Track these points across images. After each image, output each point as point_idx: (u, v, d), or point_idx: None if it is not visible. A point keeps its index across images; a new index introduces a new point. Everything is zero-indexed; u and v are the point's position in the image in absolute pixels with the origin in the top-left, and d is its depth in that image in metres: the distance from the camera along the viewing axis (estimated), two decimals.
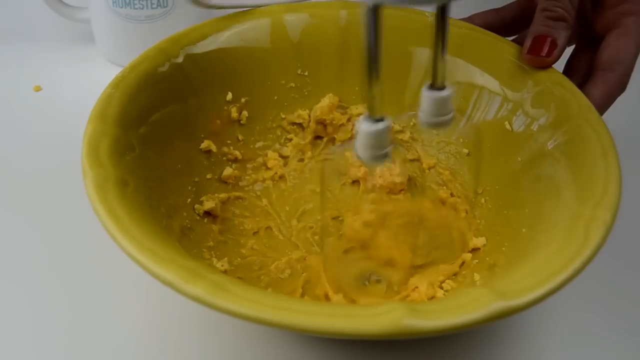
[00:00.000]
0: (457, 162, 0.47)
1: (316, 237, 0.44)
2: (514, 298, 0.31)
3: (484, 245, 0.42)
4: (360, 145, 0.34)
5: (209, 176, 0.45)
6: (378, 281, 0.42)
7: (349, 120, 0.49)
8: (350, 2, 0.49)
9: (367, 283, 0.42)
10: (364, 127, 0.34)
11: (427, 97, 0.35)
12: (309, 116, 0.49)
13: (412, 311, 0.30)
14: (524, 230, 0.39)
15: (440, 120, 0.36)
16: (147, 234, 0.33)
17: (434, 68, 0.35)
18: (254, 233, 0.44)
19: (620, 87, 0.45)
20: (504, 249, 0.40)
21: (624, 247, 0.45)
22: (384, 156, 0.35)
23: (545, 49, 0.43)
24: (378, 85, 0.32)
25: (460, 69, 0.46)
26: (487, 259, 0.41)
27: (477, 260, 0.41)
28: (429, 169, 0.48)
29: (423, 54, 0.47)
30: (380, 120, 0.34)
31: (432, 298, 0.40)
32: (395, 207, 0.46)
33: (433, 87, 0.35)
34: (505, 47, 0.46)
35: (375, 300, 0.41)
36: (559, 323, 0.41)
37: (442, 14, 0.33)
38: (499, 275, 0.38)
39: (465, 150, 0.47)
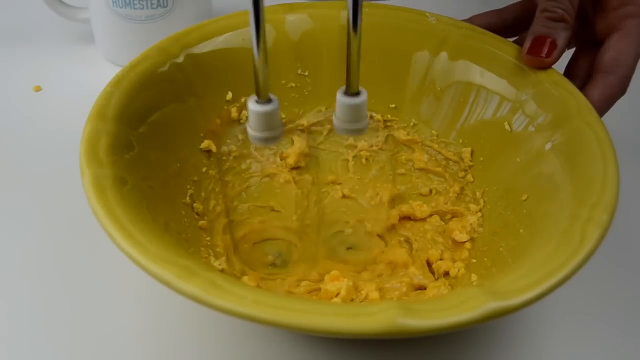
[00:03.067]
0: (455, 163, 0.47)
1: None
2: (508, 298, 0.31)
3: (483, 245, 0.42)
4: (253, 126, 0.36)
5: (210, 173, 0.45)
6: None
7: None
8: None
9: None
10: (253, 107, 0.35)
11: (341, 102, 0.36)
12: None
13: (406, 310, 0.30)
14: (521, 230, 0.39)
15: (355, 127, 0.36)
16: (145, 233, 0.33)
17: (347, 71, 0.35)
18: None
19: (621, 89, 0.45)
20: (501, 249, 0.40)
21: (622, 247, 0.45)
22: (275, 138, 0.36)
23: (545, 50, 0.43)
24: (265, 68, 0.34)
25: (460, 69, 0.47)
26: (485, 259, 0.41)
27: (474, 260, 0.41)
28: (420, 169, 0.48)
29: (423, 55, 0.47)
30: (269, 101, 0.35)
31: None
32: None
33: (347, 92, 0.35)
34: (504, 47, 0.46)
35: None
36: (557, 323, 0.41)
37: (354, 7, 0.33)
38: (495, 275, 0.38)
39: (467, 149, 0.47)
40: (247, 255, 0.44)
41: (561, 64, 0.46)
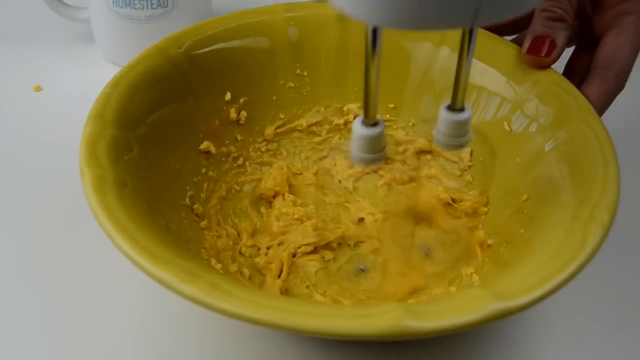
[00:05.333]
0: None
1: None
2: (512, 299, 0.31)
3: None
4: (355, 148, 0.35)
5: (209, 175, 0.45)
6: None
7: (345, 124, 0.49)
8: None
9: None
10: (358, 130, 0.34)
11: (445, 118, 0.35)
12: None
13: (410, 312, 0.30)
14: (522, 231, 0.39)
15: (458, 142, 0.36)
16: (145, 235, 0.33)
17: (454, 88, 0.34)
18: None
19: (618, 84, 0.44)
20: (502, 250, 0.40)
21: (623, 248, 0.45)
22: (378, 159, 0.35)
23: (545, 50, 0.43)
24: (375, 91, 0.33)
25: None
26: (486, 259, 0.41)
27: (476, 260, 0.41)
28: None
29: (422, 51, 0.47)
30: (375, 124, 0.34)
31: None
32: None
33: (452, 107, 0.35)
34: (504, 48, 0.46)
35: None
36: (559, 324, 0.41)
37: (469, 35, 0.32)
38: (497, 276, 0.38)
39: (466, 149, 0.46)
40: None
41: (561, 64, 0.46)
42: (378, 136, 0.35)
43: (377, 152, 0.35)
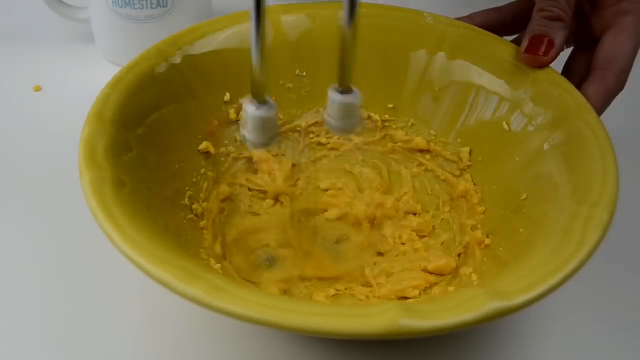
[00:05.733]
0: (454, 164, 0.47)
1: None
2: (510, 298, 0.31)
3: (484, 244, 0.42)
4: (249, 129, 0.35)
5: (209, 175, 0.45)
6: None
7: None
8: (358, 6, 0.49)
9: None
10: (250, 111, 0.35)
11: (334, 100, 0.36)
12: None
13: (408, 311, 0.30)
14: (521, 230, 0.39)
15: (347, 124, 0.36)
16: (144, 235, 0.33)
17: (340, 68, 0.35)
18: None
19: (618, 84, 0.44)
20: (501, 249, 0.40)
21: (623, 247, 0.45)
22: (272, 140, 0.36)
23: (543, 49, 0.44)
24: (264, 70, 0.33)
25: (458, 69, 0.47)
26: (485, 259, 0.41)
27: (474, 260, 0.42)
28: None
29: (420, 55, 0.47)
30: (265, 103, 0.35)
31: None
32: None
33: (340, 89, 0.35)
34: (503, 47, 0.46)
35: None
36: (557, 323, 0.41)
37: (350, 4, 0.32)
38: (496, 275, 0.38)
39: (465, 149, 0.47)
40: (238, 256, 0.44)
41: (560, 64, 0.46)
42: (271, 117, 0.35)
43: (270, 132, 0.36)
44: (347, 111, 0.36)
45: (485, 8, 0.51)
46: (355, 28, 0.34)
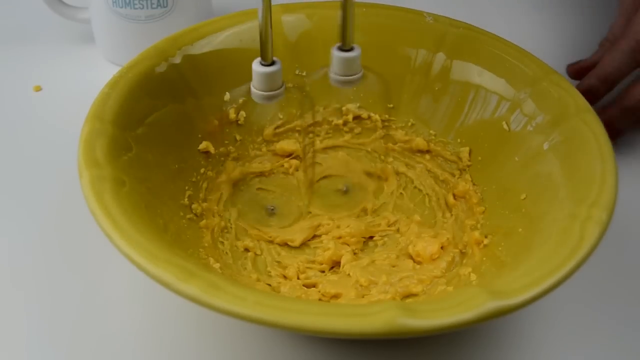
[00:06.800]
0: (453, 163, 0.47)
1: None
2: (508, 297, 0.31)
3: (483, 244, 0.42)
4: (255, 86, 0.39)
5: (208, 175, 0.45)
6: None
7: (344, 124, 0.49)
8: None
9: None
10: (257, 68, 0.38)
11: (336, 57, 0.39)
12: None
13: (406, 310, 0.30)
14: (520, 229, 0.39)
15: (349, 79, 0.40)
16: (143, 234, 0.33)
17: (342, 29, 0.38)
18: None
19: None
20: (500, 248, 0.40)
21: (621, 246, 0.45)
22: (276, 96, 0.40)
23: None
24: (270, 33, 0.37)
25: (458, 69, 0.47)
26: (484, 258, 0.41)
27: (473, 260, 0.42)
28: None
29: (420, 55, 0.48)
30: (272, 63, 0.39)
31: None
32: None
33: (342, 48, 0.39)
34: (502, 47, 0.46)
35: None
36: (555, 322, 0.41)
37: None
38: (494, 274, 0.38)
39: (465, 149, 0.47)
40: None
41: (561, 67, 0.46)
42: (276, 74, 0.39)
43: (276, 89, 0.40)
44: (350, 65, 0.39)
45: (485, 8, 0.51)
46: None
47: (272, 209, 0.46)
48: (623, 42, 0.48)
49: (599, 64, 0.49)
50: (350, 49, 0.39)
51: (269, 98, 0.40)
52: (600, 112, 0.49)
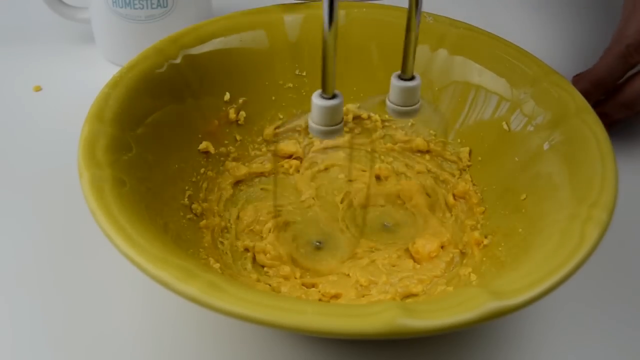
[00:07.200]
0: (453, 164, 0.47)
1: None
2: (508, 298, 0.31)
3: (482, 244, 0.42)
4: (314, 119, 0.37)
5: (208, 175, 0.45)
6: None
7: (344, 124, 0.49)
8: (348, 3, 0.49)
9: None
10: (317, 102, 0.36)
11: (396, 86, 0.37)
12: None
13: (406, 311, 0.30)
14: (520, 230, 0.39)
15: (408, 110, 0.38)
16: (143, 234, 0.33)
17: (404, 57, 0.36)
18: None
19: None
20: (500, 248, 0.40)
21: (621, 247, 0.45)
22: (337, 131, 0.37)
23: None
24: (333, 65, 0.35)
25: (458, 68, 0.47)
26: (484, 259, 0.41)
27: (473, 260, 0.42)
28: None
29: (420, 55, 0.47)
30: (334, 97, 0.36)
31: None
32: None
33: (403, 77, 0.37)
34: (502, 47, 0.46)
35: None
36: (556, 323, 0.41)
37: (415, 1, 0.34)
38: (494, 275, 0.38)
39: (465, 149, 0.47)
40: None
41: (559, 66, 0.46)
42: (337, 107, 0.37)
43: (335, 124, 0.37)
44: (408, 96, 0.38)
45: (485, 8, 0.51)
46: (418, 20, 0.35)
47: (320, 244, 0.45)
48: (615, 47, 0.49)
49: (592, 68, 0.50)
50: (412, 78, 0.37)
51: (327, 133, 0.37)
52: (596, 105, 0.49)
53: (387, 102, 0.38)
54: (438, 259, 0.43)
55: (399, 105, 0.38)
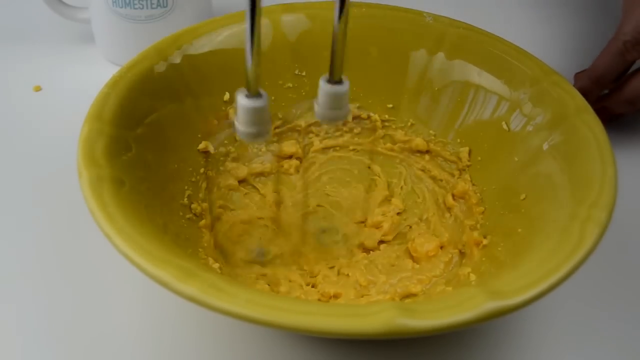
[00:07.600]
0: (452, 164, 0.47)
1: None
2: (507, 298, 0.31)
3: (482, 244, 0.42)
4: (240, 122, 0.35)
5: (208, 174, 0.45)
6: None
7: (344, 124, 0.49)
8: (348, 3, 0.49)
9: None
10: (242, 102, 0.35)
11: (324, 90, 0.36)
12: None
13: (405, 311, 0.30)
14: (519, 230, 0.39)
15: (336, 114, 0.37)
16: (142, 234, 0.33)
17: (332, 60, 0.35)
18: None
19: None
20: (500, 248, 0.40)
21: (620, 246, 0.45)
22: (264, 133, 0.36)
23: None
24: (257, 63, 0.33)
25: (457, 69, 0.47)
26: (483, 258, 0.41)
27: (473, 260, 0.42)
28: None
29: (420, 55, 0.48)
30: (259, 96, 0.35)
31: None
32: None
33: (331, 80, 0.36)
34: (502, 47, 0.46)
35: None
36: (555, 323, 0.41)
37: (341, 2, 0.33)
38: (493, 275, 0.38)
39: (465, 149, 0.47)
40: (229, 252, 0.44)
41: (562, 63, 0.46)
42: (263, 108, 0.35)
43: (261, 125, 0.36)
44: (336, 101, 0.36)
45: (485, 8, 0.51)
46: (345, 22, 0.34)
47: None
48: (613, 43, 0.49)
49: (591, 65, 0.51)
50: (340, 82, 0.36)
51: (255, 135, 0.36)
52: (598, 100, 0.49)
53: (315, 106, 0.37)
54: (437, 259, 0.43)
55: (327, 109, 0.37)
